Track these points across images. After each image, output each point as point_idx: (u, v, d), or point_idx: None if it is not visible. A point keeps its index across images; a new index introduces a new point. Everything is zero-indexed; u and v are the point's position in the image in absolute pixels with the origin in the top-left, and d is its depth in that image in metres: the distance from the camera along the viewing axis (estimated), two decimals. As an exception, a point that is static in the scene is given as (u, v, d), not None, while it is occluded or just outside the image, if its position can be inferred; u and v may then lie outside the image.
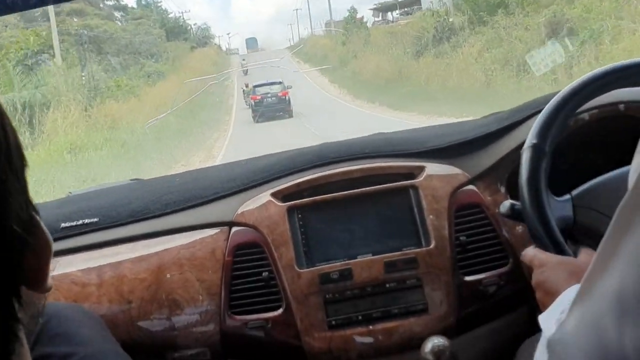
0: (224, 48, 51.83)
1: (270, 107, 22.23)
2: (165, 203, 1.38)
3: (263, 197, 1.34)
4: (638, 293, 0.42)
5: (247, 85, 26.27)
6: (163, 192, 1.42)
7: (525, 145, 1.08)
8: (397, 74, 22.46)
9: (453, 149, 1.39)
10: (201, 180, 1.47)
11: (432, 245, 1.27)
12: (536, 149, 1.06)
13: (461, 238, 1.28)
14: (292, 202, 1.32)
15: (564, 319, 0.52)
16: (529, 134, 1.08)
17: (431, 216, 1.29)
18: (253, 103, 22.48)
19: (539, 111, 1.12)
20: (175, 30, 38.33)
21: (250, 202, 1.35)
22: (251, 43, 59.49)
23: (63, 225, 1.34)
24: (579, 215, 1.10)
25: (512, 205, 1.11)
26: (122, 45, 28.37)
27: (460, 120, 1.77)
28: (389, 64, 23.93)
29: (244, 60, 32.37)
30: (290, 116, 21.89)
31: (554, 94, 1.13)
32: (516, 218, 1.11)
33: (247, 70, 30.07)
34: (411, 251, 1.27)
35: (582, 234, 1.10)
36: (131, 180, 1.69)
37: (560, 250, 1.02)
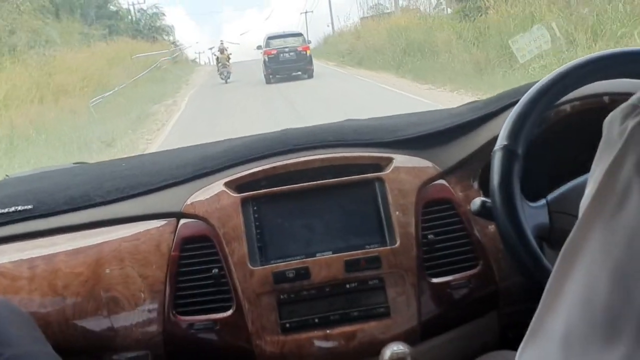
0: (190, 58, 40.19)
1: (287, 65, 19.16)
2: (108, 190, 1.26)
3: (215, 186, 1.23)
4: (583, 334, 0.41)
5: (222, 52, 21.56)
6: (106, 178, 1.30)
7: (496, 147, 1.01)
8: None
9: (423, 140, 1.30)
10: (149, 166, 1.35)
11: (397, 244, 1.17)
12: (508, 151, 1.00)
13: (429, 236, 1.19)
14: (247, 193, 1.21)
15: None
16: (500, 134, 1.02)
17: (397, 212, 1.19)
18: (267, 59, 19.21)
19: (516, 102, 1.05)
20: (94, 9, 26.42)
21: (201, 191, 1.24)
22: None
23: None
24: (556, 221, 1.04)
25: (484, 203, 1.04)
26: None
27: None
28: None
29: (221, 43, 22.90)
30: (310, 77, 19.14)
31: (532, 84, 1.06)
32: (488, 216, 1.04)
33: (223, 48, 22.20)
34: (374, 249, 1.18)
35: (560, 238, 1.02)
36: (74, 163, 1.57)
37: (536, 262, 0.97)
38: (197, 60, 41.30)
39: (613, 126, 0.46)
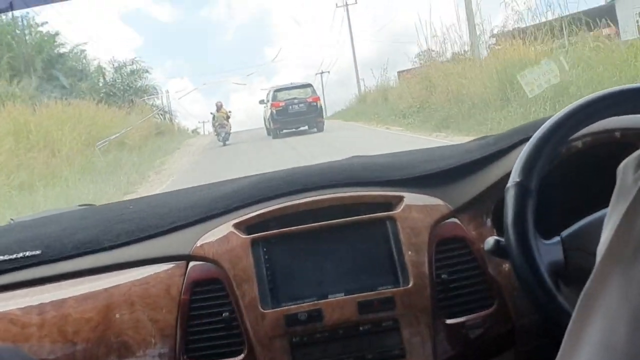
0: (189, 129, 30.47)
1: (297, 117, 17.82)
2: (117, 234, 1.25)
3: (224, 228, 1.22)
4: None
5: (218, 109, 18.57)
6: (115, 221, 1.29)
7: (510, 183, 1.01)
8: None
9: (434, 178, 1.29)
10: (157, 208, 1.34)
11: (410, 284, 1.16)
12: (521, 187, 1.00)
13: (442, 276, 1.18)
14: (257, 234, 1.20)
15: None
16: (513, 170, 1.02)
17: (410, 252, 1.18)
18: (274, 112, 17.88)
19: (528, 138, 1.05)
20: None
21: (211, 233, 1.22)
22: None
23: (2, 258, 1.21)
24: (571, 258, 1.03)
25: (497, 242, 1.03)
26: None
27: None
28: None
29: (218, 113, 18.80)
30: (320, 130, 17.60)
31: (544, 120, 1.06)
32: (502, 255, 1.03)
33: (220, 105, 18.83)
34: (387, 290, 1.16)
35: (575, 275, 1.03)
36: (80, 205, 1.57)
37: (551, 300, 0.96)
38: (200, 130, 31.55)
39: (627, 173, 0.46)
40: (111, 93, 23.83)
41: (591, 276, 0.45)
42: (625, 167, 0.46)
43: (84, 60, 24.49)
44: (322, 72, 37.03)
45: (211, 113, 18.99)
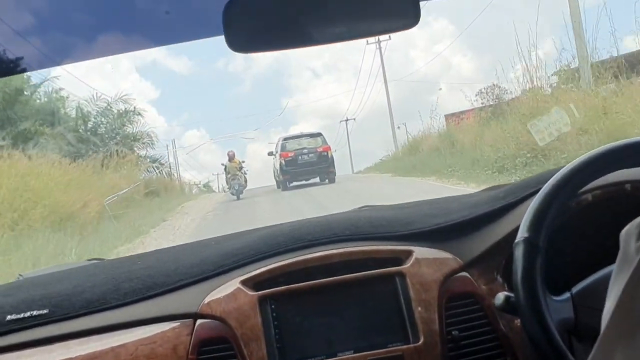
0: (201, 182, 27.15)
1: (307, 168, 17.13)
2: (124, 292, 1.24)
3: (232, 284, 1.21)
4: None
5: (230, 158, 16.96)
6: (122, 279, 1.27)
7: (518, 239, 0.99)
8: None
9: (444, 232, 1.27)
10: (165, 264, 1.32)
11: (420, 342, 1.14)
12: (529, 244, 0.98)
13: (453, 332, 1.16)
14: (265, 291, 1.19)
15: None
16: (521, 225, 1.00)
17: (420, 308, 1.16)
18: (283, 162, 17.18)
19: (537, 191, 1.04)
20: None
21: (218, 290, 1.21)
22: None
23: (9, 317, 1.19)
24: (582, 315, 1.01)
25: (508, 298, 1.01)
26: None
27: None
28: None
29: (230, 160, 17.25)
30: (332, 182, 16.94)
31: (552, 172, 1.05)
32: (512, 312, 1.02)
33: (232, 155, 17.38)
34: (397, 348, 1.14)
35: (586, 332, 1.00)
36: (89, 260, 1.56)
37: (561, 359, 0.94)
38: (214, 182, 27.66)
39: (629, 242, 0.44)
40: (91, 142, 18.59)
41: (595, 347, 0.44)
42: (627, 235, 0.45)
43: (58, 102, 19.04)
44: (347, 119, 33.71)
45: (222, 164, 17.73)
